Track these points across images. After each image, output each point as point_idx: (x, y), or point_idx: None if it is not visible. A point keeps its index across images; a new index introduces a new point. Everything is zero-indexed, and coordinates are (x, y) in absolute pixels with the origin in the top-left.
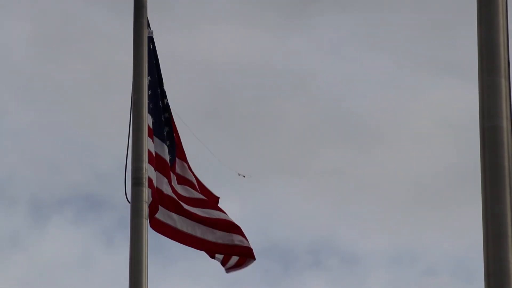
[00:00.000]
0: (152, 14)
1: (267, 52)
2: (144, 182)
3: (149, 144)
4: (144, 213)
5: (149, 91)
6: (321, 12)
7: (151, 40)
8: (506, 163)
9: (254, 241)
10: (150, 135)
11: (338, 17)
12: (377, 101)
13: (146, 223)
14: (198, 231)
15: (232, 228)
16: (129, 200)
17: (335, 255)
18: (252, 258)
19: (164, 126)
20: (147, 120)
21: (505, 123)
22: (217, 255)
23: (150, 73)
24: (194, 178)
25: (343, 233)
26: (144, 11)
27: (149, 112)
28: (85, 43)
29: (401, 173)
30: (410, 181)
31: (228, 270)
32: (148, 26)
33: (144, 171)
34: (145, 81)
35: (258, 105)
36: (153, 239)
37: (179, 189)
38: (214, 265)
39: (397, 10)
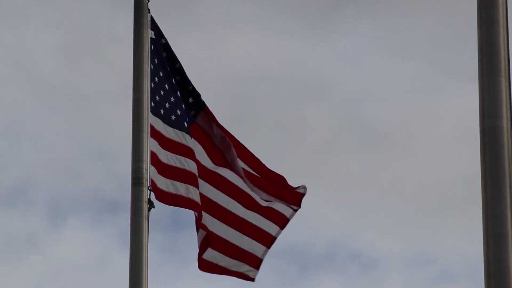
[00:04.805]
0: (174, 19)
1: (289, 59)
2: (144, 182)
3: (152, 145)
4: (144, 213)
5: (161, 91)
6: (344, 19)
7: (152, 41)
8: (506, 164)
9: None
10: (153, 136)
11: (361, 24)
12: (399, 108)
13: (146, 223)
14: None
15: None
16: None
17: (352, 258)
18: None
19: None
20: (152, 121)
21: (505, 123)
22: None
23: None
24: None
25: (360, 237)
26: (144, 11)
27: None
28: (110, 51)
29: (421, 180)
30: (430, 187)
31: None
32: (153, 28)
33: (144, 171)
34: (145, 81)
35: (280, 112)
36: (168, 241)
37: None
38: None
39: (420, 17)
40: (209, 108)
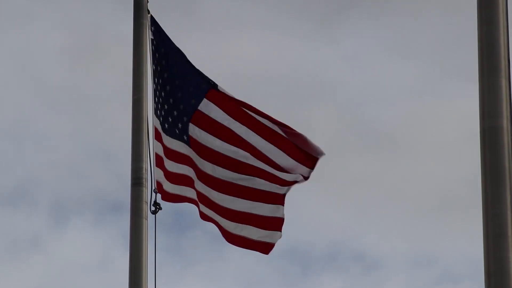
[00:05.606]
0: (174, 20)
1: (292, 60)
2: (144, 182)
3: (156, 147)
4: (144, 213)
5: (163, 93)
6: (347, 21)
7: (153, 42)
8: (507, 164)
9: None
10: (157, 139)
11: (364, 26)
12: (401, 109)
13: (146, 223)
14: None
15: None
16: (151, 211)
17: (354, 258)
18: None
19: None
20: (155, 122)
21: (505, 123)
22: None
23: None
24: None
25: (362, 237)
26: (144, 11)
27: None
28: (113, 52)
29: (423, 180)
30: (432, 187)
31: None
32: (153, 29)
33: (144, 171)
34: (145, 81)
35: (283, 113)
36: (171, 242)
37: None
38: (232, 266)
39: (422, 18)
40: (217, 89)
